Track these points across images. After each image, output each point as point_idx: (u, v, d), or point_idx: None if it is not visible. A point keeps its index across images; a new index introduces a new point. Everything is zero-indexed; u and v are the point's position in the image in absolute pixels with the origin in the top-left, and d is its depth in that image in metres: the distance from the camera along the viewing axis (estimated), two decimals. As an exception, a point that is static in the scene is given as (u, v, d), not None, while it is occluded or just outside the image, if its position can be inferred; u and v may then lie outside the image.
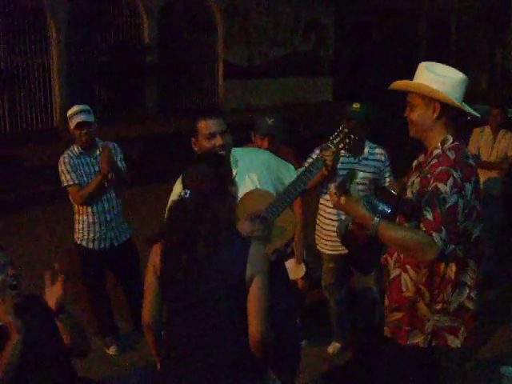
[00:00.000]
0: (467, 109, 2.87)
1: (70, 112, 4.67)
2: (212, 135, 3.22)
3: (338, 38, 16.62)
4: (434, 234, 2.60)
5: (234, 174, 3.32)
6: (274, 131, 4.39)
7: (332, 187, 2.83)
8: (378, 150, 4.48)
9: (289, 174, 3.59)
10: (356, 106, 4.34)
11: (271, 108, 14.10)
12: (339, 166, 4.28)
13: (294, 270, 4.94)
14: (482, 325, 5.15)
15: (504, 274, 6.38)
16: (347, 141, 3.38)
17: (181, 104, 13.38)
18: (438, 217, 2.61)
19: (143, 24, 12.77)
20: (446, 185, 2.64)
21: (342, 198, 2.75)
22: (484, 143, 6.35)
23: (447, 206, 2.63)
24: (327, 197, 4.38)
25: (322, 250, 4.68)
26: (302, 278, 5.10)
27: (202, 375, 2.57)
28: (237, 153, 3.44)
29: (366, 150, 4.44)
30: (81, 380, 3.22)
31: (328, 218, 4.52)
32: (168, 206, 2.65)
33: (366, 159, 4.42)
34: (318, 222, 4.69)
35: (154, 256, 2.65)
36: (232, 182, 2.69)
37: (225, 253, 2.51)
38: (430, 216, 2.63)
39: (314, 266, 5.22)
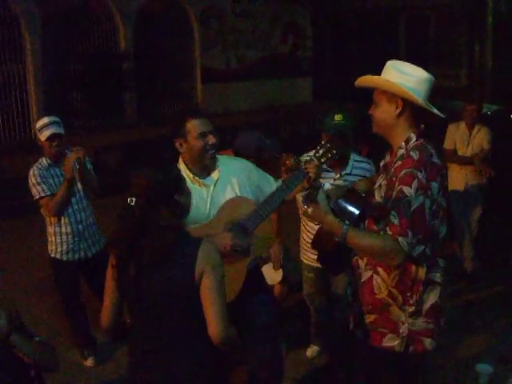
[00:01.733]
0: (430, 108, 2.83)
1: (39, 124, 4.61)
2: (204, 134, 3.23)
3: (317, 38, 16.63)
4: (399, 239, 2.62)
5: (216, 178, 3.34)
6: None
7: (299, 198, 2.86)
8: (362, 165, 4.27)
9: (269, 184, 3.60)
10: (338, 117, 4.08)
11: (251, 111, 14.11)
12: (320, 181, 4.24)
13: (272, 275, 4.93)
14: (459, 323, 5.22)
15: (482, 271, 6.39)
16: (329, 155, 3.36)
17: (159, 110, 13.33)
18: (404, 221, 2.62)
19: (119, 30, 12.69)
20: (411, 187, 2.64)
21: (310, 208, 2.80)
22: (459, 139, 6.35)
23: (412, 208, 2.63)
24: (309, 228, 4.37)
25: (303, 260, 4.64)
26: (279, 282, 5.09)
27: (164, 380, 2.58)
28: (220, 159, 3.44)
29: (350, 164, 4.24)
30: None
31: (309, 229, 4.46)
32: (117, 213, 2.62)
33: (349, 174, 4.21)
34: (301, 232, 4.63)
35: (110, 263, 2.65)
36: (180, 190, 2.65)
37: (173, 256, 2.50)
38: (395, 221, 2.64)
39: (291, 270, 5.20)
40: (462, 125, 6.35)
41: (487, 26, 17.66)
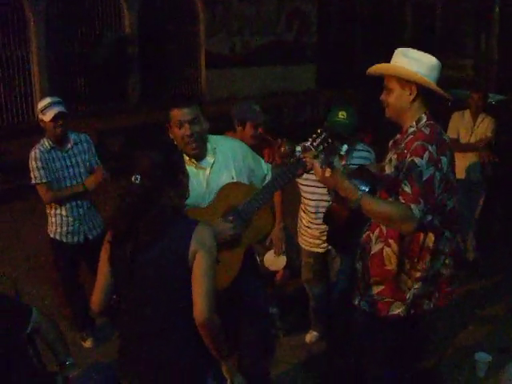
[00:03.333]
0: (442, 91, 2.97)
1: (42, 104, 4.56)
2: (181, 124, 3.20)
3: (322, 25, 16.53)
4: (412, 206, 2.74)
5: (212, 161, 3.33)
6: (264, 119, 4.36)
7: (317, 162, 2.91)
8: (362, 154, 4.23)
9: (261, 167, 3.61)
10: (342, 115, 4.04)
11: (254, 96, 14.05)
12: None
13: (275, 261, 4.93)
14: (459, 312, 5.23)
15: (482, 260, 6.38)
16: (326, 145, 3.31)
17: (163, 95, 13.27)
18: (416, 189, 2.76)
19: (123, 14, 12.60)
20: (423, 158, 2.78)
21: (328, 171, 2.86)
22: (464, 127, 6.34)
23: (424, 178, 2.77)
24: (308, 195, 4.37)
25: (301, 245, 4.64)
26: (282, 268, 5.09)
27: (154, 366, 2.59)
28: (215, 140, 3.42)
29: (349, 155, 4.19)
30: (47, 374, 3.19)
31: (309, 214, 4.46)
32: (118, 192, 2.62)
33: (348, 164, 4.15)
34: (299, 216, 4.64)
35: (107, 241, 2.65)
36: (183, 171, 2.66)
37: (168, 236, 2.51)
38: (408, 189, 2.78)
39: (293, 257, 5.21)
40: (467, 113, 6.34)
41: (494, 17, 17.59)
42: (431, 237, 2.96)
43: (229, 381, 2.71)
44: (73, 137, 4.72)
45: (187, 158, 3.29)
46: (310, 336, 4.86)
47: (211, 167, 3.32)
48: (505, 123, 7.30)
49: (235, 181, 3.34)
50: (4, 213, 8.28)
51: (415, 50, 3.00)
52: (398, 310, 3.06)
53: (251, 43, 14.73)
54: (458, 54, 18.58)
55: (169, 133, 3.30)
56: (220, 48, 14.13)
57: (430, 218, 2.86)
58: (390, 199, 2.97)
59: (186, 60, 13.78)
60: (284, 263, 5.00)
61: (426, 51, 3.03)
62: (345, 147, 4.07)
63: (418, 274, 3.00)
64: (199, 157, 3.32)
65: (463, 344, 4.81)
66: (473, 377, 4.34)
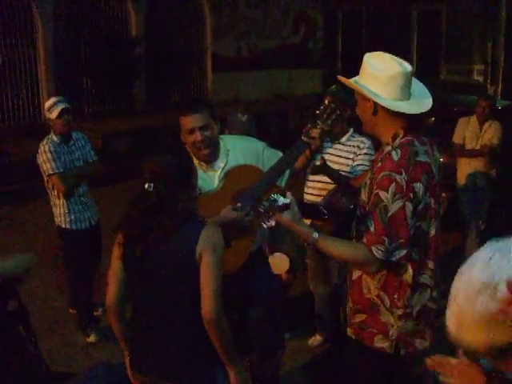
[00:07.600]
0: (398, 107, 2.66)
1: (49, 103, 4.85)
2: (191, 131, 3.20)
3: (328, 29, 16.57)
4: (373, 248, 2.55)
5: (224, 164, 3.32)
6: (248, 128, 4.35)
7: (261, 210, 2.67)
8: (358, 138, 4.28)
9: None
10: (334, 87, 4.21)
11: (260, 100, 14.08)
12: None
13: (278, 264, 4.93)
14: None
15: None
16: (334, 117, 3.19)
17: (169, 97, 13.32)
18: (379, 228, 2.55)
19: (130, 16, 12.68)
20: (388, 192, 2.54)
21: (272, 222, 2.66)
22: (470, 133, 6.34)
23: (390, 213, 2.54)
24: (309, 190, 4.40)
25: (306, 245, 4.63)
26: (285, 271, 5.10)
27: (164, 359, 2.64)
28: (228, 142, 3.42)
29: (346, 137, 4.30)
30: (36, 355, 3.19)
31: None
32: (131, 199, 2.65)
33: (342, 144, 4.29)
34: None
35: (118, 243, 2.68)
36: (195, 174, 2.70)
37: (178, 237, 2.55)
38: (371, 227, 2.58)
39: (297, 260, 5.21)
40: (473, 119, 6.34)
41: (500, 22, 17.55)
42: (409, 271, 2.68)
43: None
44: (73, 134, 4.98)
45: (197, 162, 3.30)
46: (314, 340, 4.85)
47: (222, 169, 3.32)
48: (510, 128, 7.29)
49: (243, 163, 3.32)
50: (7, 214, 8.30)
51: (381, 55, 2.74)
52: (382, 344, 2.76)
53: (258, 46, 14.77)
54: (464, 59, 18.58)
55: (182, 137, 3.30)
56: (226, 51, 14.17)
57: (403, 252, 2.58)
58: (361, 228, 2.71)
59: (192, 63, 13.83)
60: (287, 266, 5.01)
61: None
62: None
63: (400, 312, 2.72)
64: (211, 160, 3.33)
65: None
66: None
